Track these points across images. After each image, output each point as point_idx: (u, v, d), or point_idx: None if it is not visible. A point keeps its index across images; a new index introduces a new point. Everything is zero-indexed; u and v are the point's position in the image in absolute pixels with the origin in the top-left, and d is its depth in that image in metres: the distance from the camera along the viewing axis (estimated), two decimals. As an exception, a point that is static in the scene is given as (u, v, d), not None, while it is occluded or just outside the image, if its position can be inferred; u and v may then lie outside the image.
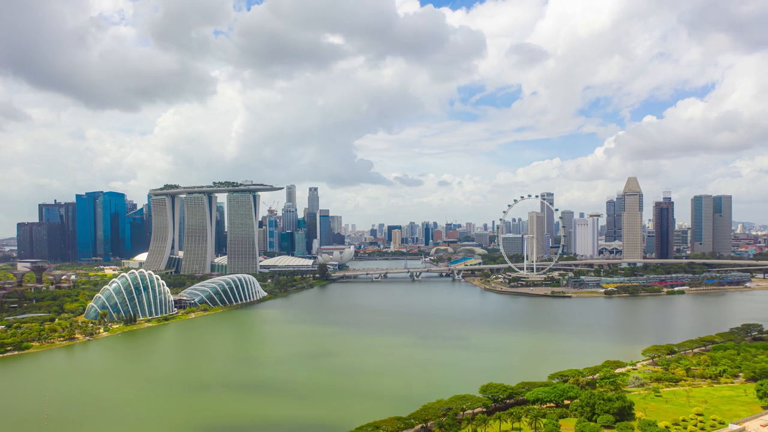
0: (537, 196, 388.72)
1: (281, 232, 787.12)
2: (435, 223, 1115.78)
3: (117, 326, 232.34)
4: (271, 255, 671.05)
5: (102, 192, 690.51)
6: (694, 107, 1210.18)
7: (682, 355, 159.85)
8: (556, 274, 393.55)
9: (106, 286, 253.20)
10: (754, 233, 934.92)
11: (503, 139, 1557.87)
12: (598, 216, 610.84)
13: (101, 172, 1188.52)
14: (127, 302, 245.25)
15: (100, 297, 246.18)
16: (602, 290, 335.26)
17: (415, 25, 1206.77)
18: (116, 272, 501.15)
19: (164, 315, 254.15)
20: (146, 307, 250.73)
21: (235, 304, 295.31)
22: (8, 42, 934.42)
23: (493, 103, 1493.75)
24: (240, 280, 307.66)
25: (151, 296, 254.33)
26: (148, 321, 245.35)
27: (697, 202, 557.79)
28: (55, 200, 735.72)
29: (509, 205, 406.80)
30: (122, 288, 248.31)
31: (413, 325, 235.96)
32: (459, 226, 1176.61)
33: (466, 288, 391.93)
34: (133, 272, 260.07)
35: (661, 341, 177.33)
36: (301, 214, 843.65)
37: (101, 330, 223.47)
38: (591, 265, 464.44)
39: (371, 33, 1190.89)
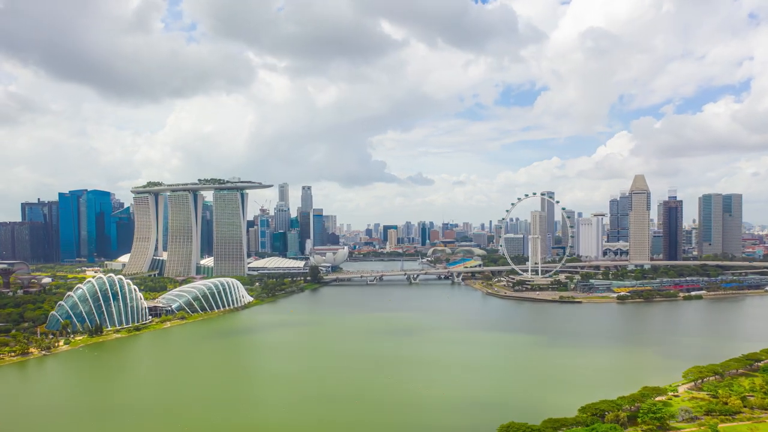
0: (543, 194, 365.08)
1: (273, 232, 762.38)
2: (431, 223, 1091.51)
3: (80, 338, 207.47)
4: (263, 256, 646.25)
5: (86, 190, 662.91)
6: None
7: (730, 378, 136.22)
8: (562, 277, 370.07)
9: (70, 293, 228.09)
10: (756, 233, 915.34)
11: (509, 138, 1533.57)
12: (603, 215, 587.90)
13: (107, 170, 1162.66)
14: (94, 311, 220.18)
15: (63, 305, 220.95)
16: (614, 295, 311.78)
17: (485, 15, 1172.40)
18: (97, 274, 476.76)
19: (136, 324, 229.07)
20: (116, 316, 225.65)
21: (216, 311, 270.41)
22: (42, 29, 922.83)
23: (515, 100, 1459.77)
24: (222, 284, 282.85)
25: (121, 304, 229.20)
26: (117, 331, 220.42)
27: (706, 201, 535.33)
28: (39, 199, 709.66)
29: (512, 204, 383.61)
30: (88, 295, 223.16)
31: (412, 337, 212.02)
32: (456, 226, 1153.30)
33: (466, 292, 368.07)
34: (100, 277, 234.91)
35: (698, 358, 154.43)
36: (294, 214, 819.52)
37: (60, 343, 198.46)
38: (597, 267, 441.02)
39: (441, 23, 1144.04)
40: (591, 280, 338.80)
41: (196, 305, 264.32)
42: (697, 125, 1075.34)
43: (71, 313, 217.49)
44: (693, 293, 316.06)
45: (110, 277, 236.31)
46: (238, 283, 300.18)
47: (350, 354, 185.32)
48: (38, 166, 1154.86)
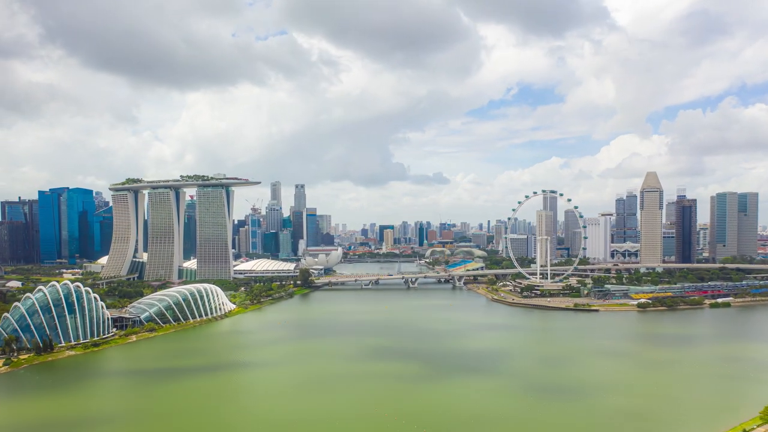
0: (553, 192, 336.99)
1: (265, 232, 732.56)
2: (428, 223, 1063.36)
3: (26, 356, 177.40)
4: (254, 257, 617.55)
5: (67, 188, 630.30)
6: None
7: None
8: (573, 281, 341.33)
9: (18, 303, 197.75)
10: (763, 234, 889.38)
11: (518, 138, 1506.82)
12: (611, 215, 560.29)
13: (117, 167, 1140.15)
14: (45, 324, 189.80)
15: (8, 317, 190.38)
16: (633, 302, 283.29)
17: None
18: (76, 276, 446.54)
19: (95, 339, 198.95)
20: (72, 329, 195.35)
21: (192, 321, 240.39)
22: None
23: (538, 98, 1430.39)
24: (200, 291, 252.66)
25: (79, 315, 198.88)
26: (72, 348, 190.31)
27: (720, 200, 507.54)
28: (19, 197, 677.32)
29: (519, 202, 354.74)
30: (38, 306, 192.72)
31: (418, 357, 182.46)
32: (454, 225, 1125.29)
33: (469, 297, 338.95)
34: (53, 285, 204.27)
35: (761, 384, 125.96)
36: (287, 213, 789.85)
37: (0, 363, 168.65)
38: (608, 270, 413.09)
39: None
40: (606, 286, 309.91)
41: (168, 315, 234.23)
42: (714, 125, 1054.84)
43: (17, 326, 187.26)
44: (720, 300, 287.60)
45: (65, 284, 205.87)
46: (218, 289, 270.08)
47: (339, 397, 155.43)
48: (63, 160, 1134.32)
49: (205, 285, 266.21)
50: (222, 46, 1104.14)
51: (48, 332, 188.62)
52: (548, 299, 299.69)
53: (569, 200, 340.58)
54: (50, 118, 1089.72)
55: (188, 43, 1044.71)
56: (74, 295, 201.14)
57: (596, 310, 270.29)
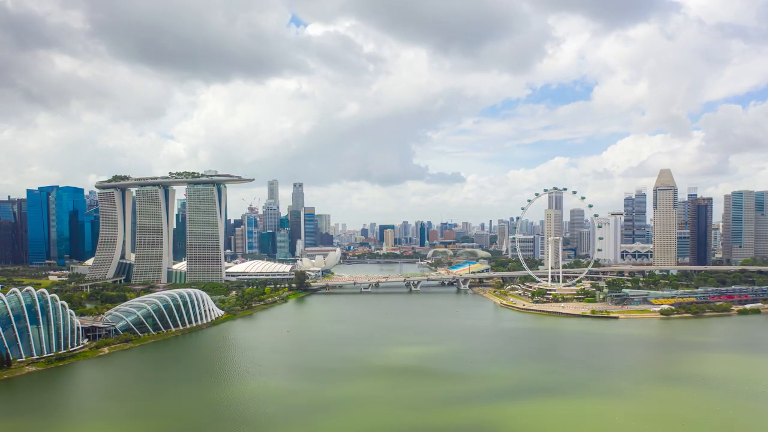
0: (565, 189, 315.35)
1: (262, 232, 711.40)
2: (429, 223, 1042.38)
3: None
4: (251, 258, 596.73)
5: (57, 186, 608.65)
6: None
7: None
8: (587, 284, 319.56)
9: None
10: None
11: (528, 138, 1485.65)
12: (621, 215, 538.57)
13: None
14: (2, 336, 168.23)
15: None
16: (654, 308, 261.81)
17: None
18: (61, 278, 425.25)
19: (61, 352, 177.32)
20: (35, 342, 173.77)
21: (173, 330, 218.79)
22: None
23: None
24: (183, 296, 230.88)
25: (43, 326, 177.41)
26: (33, 363, 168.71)
27: (736, 198, 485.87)
28: (9, 196, 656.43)
29: (529, 201, 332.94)
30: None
31: (426, 381, 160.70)
32: (455, 225, 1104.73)
33: (475, 302, 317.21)
34: (14, 292, 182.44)
35: None
36: (284, 213, 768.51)
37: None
38: (621, 273, 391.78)
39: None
40: (624, 290, 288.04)
41: (147, 324, 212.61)
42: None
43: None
44: (748, 306, 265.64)
45: (28, 290, 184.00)
46: (204, 294, 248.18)
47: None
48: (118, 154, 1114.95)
49: (190, 290, 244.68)
50: (264, 35, 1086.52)
51: (6, 345, 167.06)
52: (562, 305, 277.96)
53: (583, 198, 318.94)
54: (75, 113, 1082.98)
55: (229, 31, 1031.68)
56: (38, 304, 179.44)
57: (615, 318, 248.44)
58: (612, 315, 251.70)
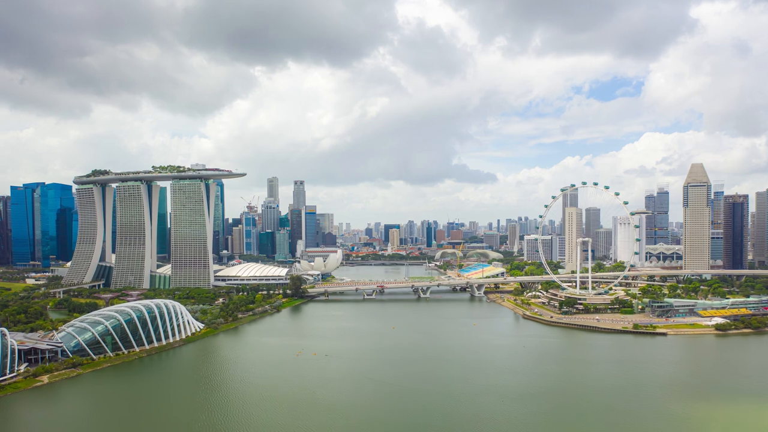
0: (595, 184, 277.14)
1: (260, 232, 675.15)
2: (436, 222, 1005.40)
3: None
4: (249, 259, 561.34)
5: (42, 183, 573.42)
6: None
7: None
8: (621, 292, 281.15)
9: None
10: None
11: (546, 138, 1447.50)
12: (646, 213, 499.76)
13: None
14: None
15: None
16: (707, 322, 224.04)
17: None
18: (38, 282, 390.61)
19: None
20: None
21: (137, 350, 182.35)
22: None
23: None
24: (152, 309, 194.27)
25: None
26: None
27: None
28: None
29: (553, 197, 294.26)
30: None
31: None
32: (462, 225, 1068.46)
33: (493, 312, 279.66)
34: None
35: None
36: (285, 212, 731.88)
37: None
38: (652, 278, 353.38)
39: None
40: (667, 300, 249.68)
41: (106, 343, 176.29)
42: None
43: None
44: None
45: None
46: (179, 306, 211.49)
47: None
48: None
49: (161, 301, 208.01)
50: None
51: None
52: (596, 317, 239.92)
53: (617, 194, 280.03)
54: (138, 102, 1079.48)
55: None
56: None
57: (663, 334, 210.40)
58: (658, 330, 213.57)
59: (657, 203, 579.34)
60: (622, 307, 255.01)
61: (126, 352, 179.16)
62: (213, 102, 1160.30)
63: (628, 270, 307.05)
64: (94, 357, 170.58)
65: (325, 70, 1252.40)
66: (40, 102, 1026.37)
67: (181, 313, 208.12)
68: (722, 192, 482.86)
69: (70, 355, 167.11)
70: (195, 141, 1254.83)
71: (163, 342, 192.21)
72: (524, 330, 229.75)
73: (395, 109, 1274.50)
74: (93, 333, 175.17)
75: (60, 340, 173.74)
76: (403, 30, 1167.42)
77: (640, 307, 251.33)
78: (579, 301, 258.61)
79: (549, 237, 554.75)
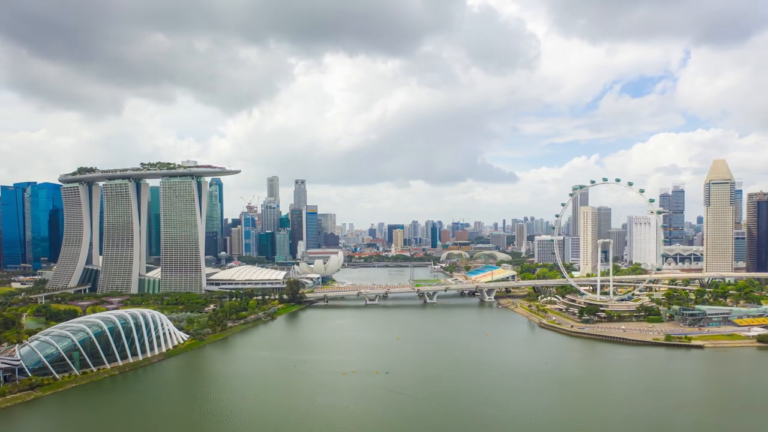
0: (618, 180, 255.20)
1: (260, 232, 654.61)
2: (440, 222, 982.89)
3: None
4: (249, 261, 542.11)
5: (34, 183, 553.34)
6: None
7: None
8: (645, 298, 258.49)
9: None
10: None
11: (559, 138, 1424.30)
12: (665, 213, 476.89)
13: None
14: None
15: None
16: (741, 331, 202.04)
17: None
18: (25, 285, 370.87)
19: None
20: None
21: (109, 367, 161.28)
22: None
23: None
24: (126, 321, 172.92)
25: None
26: None
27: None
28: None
29: (570, 194, 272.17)
30: None
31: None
32: (467, 225, 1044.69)
33: (505, 319, 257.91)
34: None
35: None
36: (285, 212, 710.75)
37: None
38: (674, 281, 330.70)
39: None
40: (698, 306, 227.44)
41: (73, 359, 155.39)
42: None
43: None
44: None
45: None
46: (161, 316, 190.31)
47: None
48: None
49: (139, 311, 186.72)
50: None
51: None
52: (621, 326, 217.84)
53: (642, 191, 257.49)
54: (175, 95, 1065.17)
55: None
56: None
57: (699, 347, 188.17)
58: (693, 343, 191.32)
59: (672, 202, 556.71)
60: (648, 314, 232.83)
61: (95, 369, 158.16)
62: (250, 96, 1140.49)
63: (654, 273, 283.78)
64: (58, 376, 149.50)
65: (367, 62, 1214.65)
66: (68, 96, 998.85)
67: (162, 324, 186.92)
68: (740, 191, 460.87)
69: (30, 375, 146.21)
70: (214, 141, 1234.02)
71: (140, 357, 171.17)
72: (543, 341, 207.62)
73: (415, 107, 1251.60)
74: (57, 348, 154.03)
75: (20, 357, 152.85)
76: (463, 18, 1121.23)
77: (668, 314, 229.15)
78: (601, 308, 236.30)
79: (561, 238, 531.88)
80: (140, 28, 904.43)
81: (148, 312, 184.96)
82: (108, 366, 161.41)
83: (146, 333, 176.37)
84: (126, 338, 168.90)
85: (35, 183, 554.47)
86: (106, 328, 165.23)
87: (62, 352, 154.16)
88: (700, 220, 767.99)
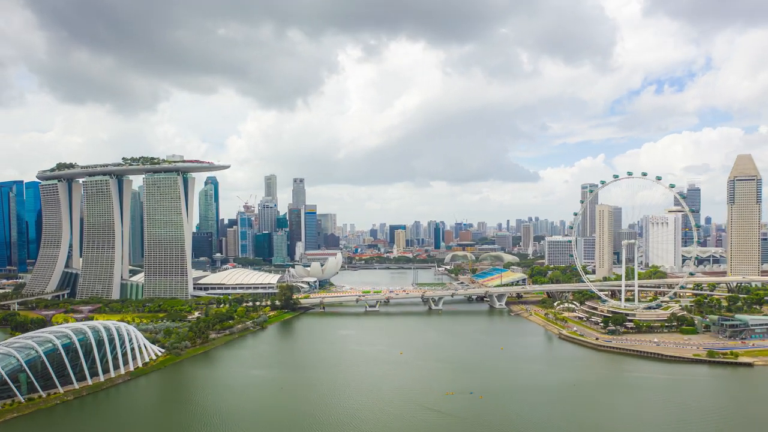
0: (644, 174, 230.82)
1: (257, 233, 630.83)
2: (443, 223, 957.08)
3: None
4: (245, 262, 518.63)
5: (20, 182, 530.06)
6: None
7: None
8: (677, 308, 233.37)
9: None
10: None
11: (571, 138, 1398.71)
12: (682, 211, 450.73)
13: None
14: None
15: None
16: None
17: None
18: (2, 290, 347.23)
19: None
20: None
21: (62, 391, 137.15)
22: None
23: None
24: (86, 336, 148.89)
25: None
26: None
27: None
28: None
29: (591, 191, 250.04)
30: None
31: None
32: (470, 226, 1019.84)
33: (519, 329, 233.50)
34: None
35: None
36: (283, 211, 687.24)
37: None
38: (699, 286, 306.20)
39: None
40: (739, 316, 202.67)
41: (20, 382, 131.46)
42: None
43: None
44: None
45: None
46: (128, 328, 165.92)
47: None
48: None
49: (109, 323, 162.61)
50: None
51: None
52: (653, 339, 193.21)
53: (672, 186, 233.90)
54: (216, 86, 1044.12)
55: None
56: None
57: (748, 364, 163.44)
58: (740, 360, 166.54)
59: (688, 202, 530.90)
60: (681, 324, 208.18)
61: (44, 395, 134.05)
62: (298, 87, 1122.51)
63: (686, 278, 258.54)
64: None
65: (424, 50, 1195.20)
66: (101, 86, 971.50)
67: (131, 337, 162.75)
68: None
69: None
70: (234, 140, 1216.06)
71: (101, 378, 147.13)
72: (565, 357, 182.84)
73: (434, 107, 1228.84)
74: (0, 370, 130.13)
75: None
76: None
77: (703, 325, 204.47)
78: (629, 317, 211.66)
79: (571, 238, 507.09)
80: (204, 16, 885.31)
81: (113, 324, 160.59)
82: (61, 390, 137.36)
83: (110, 349, 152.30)
84: (85, 356, 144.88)
85: (20, 182, 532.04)
86: (59, 345, 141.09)
87: (5, 375, 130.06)
88: (708, 220, 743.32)
